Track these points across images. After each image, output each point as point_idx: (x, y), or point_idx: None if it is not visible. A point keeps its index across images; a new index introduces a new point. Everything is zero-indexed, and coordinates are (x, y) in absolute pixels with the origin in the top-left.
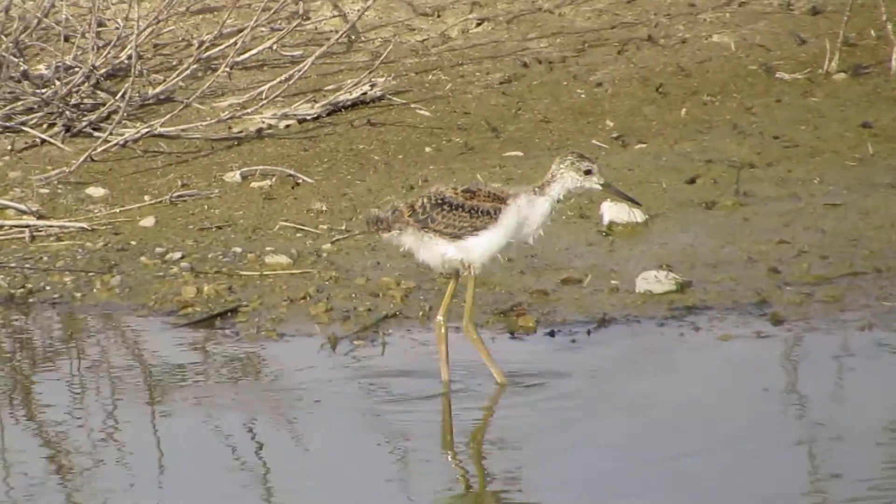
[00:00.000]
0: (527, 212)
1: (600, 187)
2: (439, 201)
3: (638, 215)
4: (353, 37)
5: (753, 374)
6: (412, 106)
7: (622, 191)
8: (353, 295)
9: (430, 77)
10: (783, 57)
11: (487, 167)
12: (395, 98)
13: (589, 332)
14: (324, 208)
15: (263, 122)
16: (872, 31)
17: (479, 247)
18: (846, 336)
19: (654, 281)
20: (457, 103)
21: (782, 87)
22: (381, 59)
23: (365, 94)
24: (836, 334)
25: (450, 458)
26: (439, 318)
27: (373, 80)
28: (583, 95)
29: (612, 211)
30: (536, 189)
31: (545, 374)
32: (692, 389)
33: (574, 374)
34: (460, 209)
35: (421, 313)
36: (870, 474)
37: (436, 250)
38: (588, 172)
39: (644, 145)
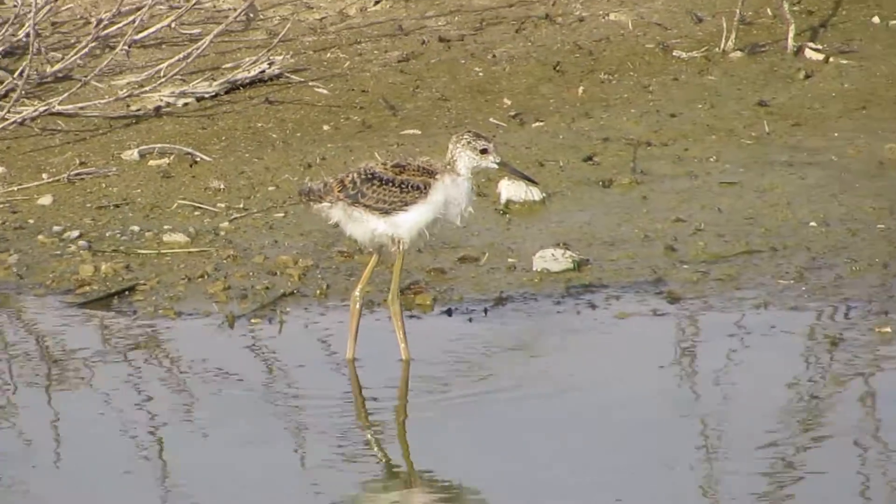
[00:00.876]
0: (452, 191)
1: (496, 166)
2: (369, 176)
3: (535, 194)
4: (251, 15)
5: (650, 352)
6: (310, 84)
7: (519, 169)
8: (251, 273)
9: (328, 55)
10: (680, 35)
11: (385, 145)
12: (293, 76)
13: (486, 311)
14: (222, 186)
15: (162, 101)
16: (769, 10)
17: (409, 222)
18: (742, 314)
19: (551, 259)
20: (355, 81)
21: (679, 65)
22: (280, 37)
23: (263, 72)
24: (732, 312)
25: (357, 437)
26: (356, 292)
27: (271, 58)
28: (481, 73)
29: (510, 189)
30: (449, 169)
31: (444, 352)
32: (588, 367)
33: (472, 353)
34: (390, 184)
35: (318, 291)
36: (758, 450)
37: (365, 226)
38: (484, 151)
39: (541, 123)
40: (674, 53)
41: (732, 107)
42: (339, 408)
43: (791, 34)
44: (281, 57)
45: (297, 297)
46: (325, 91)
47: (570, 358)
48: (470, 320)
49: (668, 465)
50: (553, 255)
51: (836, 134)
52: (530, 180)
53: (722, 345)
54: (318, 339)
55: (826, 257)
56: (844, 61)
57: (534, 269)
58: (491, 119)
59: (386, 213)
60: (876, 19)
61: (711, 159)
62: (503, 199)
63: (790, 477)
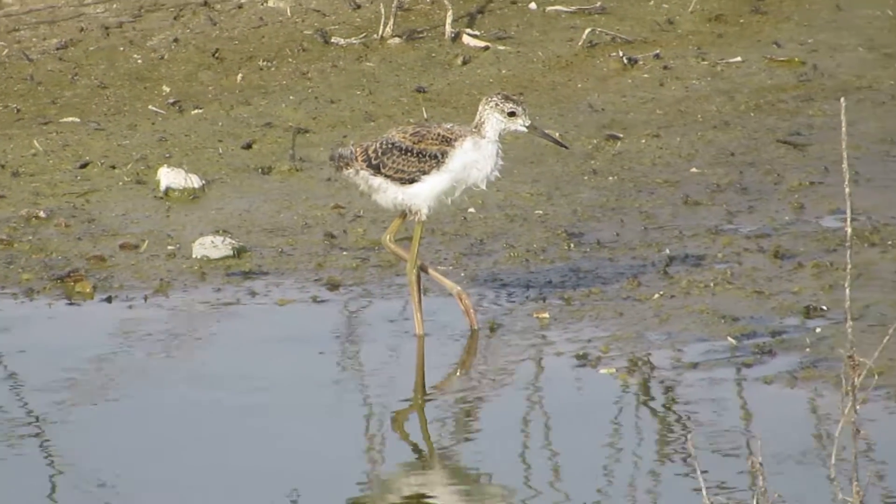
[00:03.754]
0: (473, 155)
1: (525, 129)
2: (389, 146)
3: (194, 181)
4: None
5: (309, 339)
6: None
7: (550, 134)
8: None
9: None
10: (338, 22)
11: (44, 133)
12: None
13: (146, 298)
14: None
15: None
16: None
17: (424, 192)
18: (400, 300)
19: (210, 246)
20: (13, 69)
21: (338, 52)
22: None
23: None
24: (392, 299)
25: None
26: (386, 237)
27: None
28: (139, 61)
29: (169, 176)
30: (475, 132)
31: (99, 341)
32: (246, 354)
33: (129, 340)
34: (408, 154)
35: None
36: (415, 431)
37: (386, 195)
38: (512, 114)
39: (200, 111)
40: (332, 40)
41: (391, 93)
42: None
43: (449, 20)
44: None
45: None
46: None
47: (229, 345)
48: (130, 307)
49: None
50: (213, 242)
51: None
52: (562, 145)
53: (380, 330)
54: None
55: (485, 243)
56: (502, 47)
57: (194, 256)
58: (150, 106)
59: (405, 182)
60: (533, 5)
61: None
62: (163, 186)
63: (450, 456)
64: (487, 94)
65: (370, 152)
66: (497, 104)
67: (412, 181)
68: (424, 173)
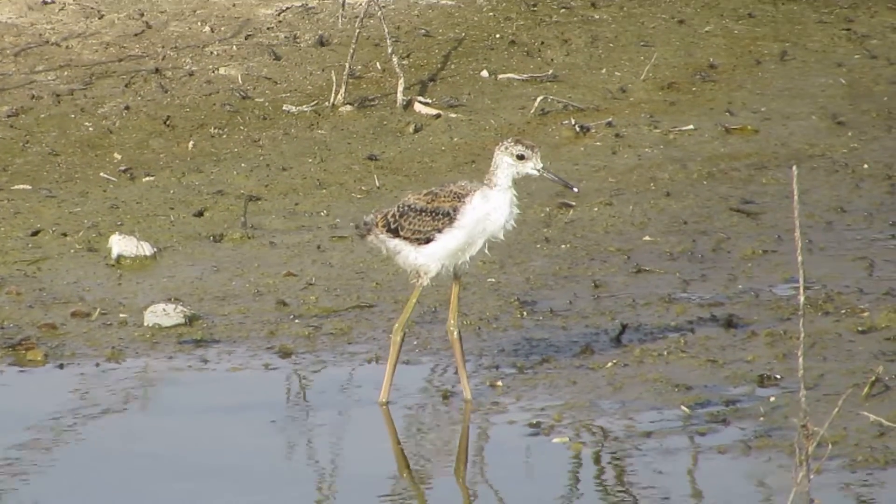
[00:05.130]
0: (484, 209)
1: (537, 172)
2: (406, 209)
3: (146, 248)
4: None
5: (261, 407)
6: None
7: (559, 176)
8: None
9: None
10: (290, 90)
11: None
12: None
13: (98, 365)
14: None
15: None
16: (378, 64)
17: (437, 251)
18: (353, 368)
19: (162, 314)
20: None
21: (289, 119)
22: None
23: None
24: (344, 366)
25: None
26: (451, 323)
27: None
28: (91, 128)
29: (121, 244)
30: (487, 182)
31: (50, 409)
32: (198, 422)
33: (80, 408)
34: (423, 213)
35: None
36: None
37: (404, 257)
38: (521, 157)
39: (152, 178)
40: (283, 107)
41: (343, 161)
42: None
43: (401, 88)
44: None
45: None
46: None
47: (180, 413)
48: (82, 374)
49: None
50: (164, 309)
51: None
52: (570, 187)
53: (333, 399)
54: None
55: (437, 311)
56: (454, 115)
57: (145, 323)
58: (102, 174)
59: (422, 242)
60: (485, 73)
61: (322, 213)
62: (114, 254)
63: None
64: (503, 139)
65: (389, 217)
66: (507, 148)
67: (427, 241)
68: (439, 231)
